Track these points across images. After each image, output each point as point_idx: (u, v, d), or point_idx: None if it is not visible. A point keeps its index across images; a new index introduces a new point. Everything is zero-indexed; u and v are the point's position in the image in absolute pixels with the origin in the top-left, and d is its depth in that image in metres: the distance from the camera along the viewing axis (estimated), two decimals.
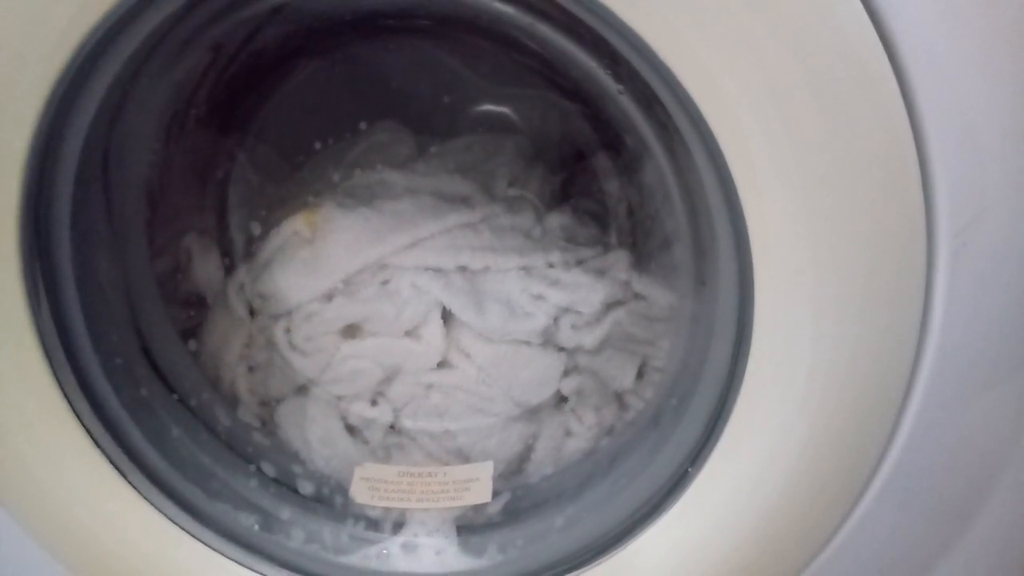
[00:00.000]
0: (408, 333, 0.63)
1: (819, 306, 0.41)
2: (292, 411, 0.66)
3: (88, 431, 0.52)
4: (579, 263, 0.65)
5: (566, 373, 0.63)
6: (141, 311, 0.60)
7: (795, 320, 0.42)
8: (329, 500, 0.62)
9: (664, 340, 0.64)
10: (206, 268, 0.68)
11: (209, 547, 0.54)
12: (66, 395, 0.51)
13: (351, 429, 0.66)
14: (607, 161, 0.72)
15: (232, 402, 0.66)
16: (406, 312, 0.62)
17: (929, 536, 0.51)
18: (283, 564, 0.56)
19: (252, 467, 0.61)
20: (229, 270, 0.69)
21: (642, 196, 0.68)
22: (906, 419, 0.45)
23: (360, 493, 0.61)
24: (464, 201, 0.67)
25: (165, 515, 0.53)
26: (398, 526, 0.60)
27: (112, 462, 0.52)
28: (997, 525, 0.50)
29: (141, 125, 0.57)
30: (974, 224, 0.40)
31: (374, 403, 0.65)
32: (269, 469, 0.62)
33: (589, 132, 0.74)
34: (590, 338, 0.62)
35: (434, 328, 0.62)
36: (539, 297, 0.62)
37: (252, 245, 0.68)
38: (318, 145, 0.74)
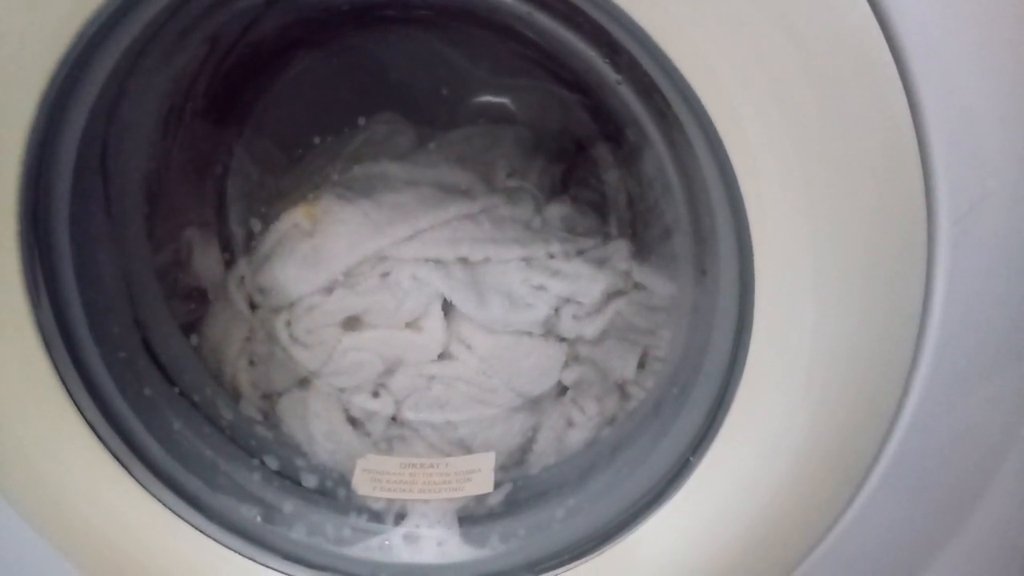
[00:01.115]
0: (409, 325, 0.63)
1: (820, 294, 0.41)
2: (294, 404, 0.66)
3: (90, 424, 0.52)
4: (579, 253, 0.65)
5: (567, 363, 0.63)
6: (142, 305, 0.60)
7: (796, 309, 0.41)
8: (332, 493, 0.62)
9: (665, 330, 0.64)
10: (206, 262, 0.68)
11: (212, 539, 0.54)
12: (68, 389, 0.51)
13: (353, 421, 0.66)
14: (607, 151, 0.72)
15: (234, 396, 0.66)
16: (407, 304, 0.62)
17: (931, 522, 0.51)
18: (286, 556, 0.56)
19: (255, 460, 0.62)
20: (229, 263, 0.69)
21: (642, 186, 0.68)
22: (907, 407, 0.44)
23: (362, 485, 0.61)
24: (464, 192, 0.67)
25: (168, 507, 0.54)
26: (400, 517, 0.60)
27: (114, 455, 0.53)
28: (999, 510, 0.50)
29: (139, 118, 0.57)
30: (974, 212, 0.40)
31: (376, 395, 0.65)
32: (273, 462, 0.62)
33: (589, 122, 0.73)
34: (591, 328, 0.62)
35: (435, 320, 0.62)
36: (540, 288, 0.62)
37: (252, 239, 0.68)
38: (317, 139, 0.74)
